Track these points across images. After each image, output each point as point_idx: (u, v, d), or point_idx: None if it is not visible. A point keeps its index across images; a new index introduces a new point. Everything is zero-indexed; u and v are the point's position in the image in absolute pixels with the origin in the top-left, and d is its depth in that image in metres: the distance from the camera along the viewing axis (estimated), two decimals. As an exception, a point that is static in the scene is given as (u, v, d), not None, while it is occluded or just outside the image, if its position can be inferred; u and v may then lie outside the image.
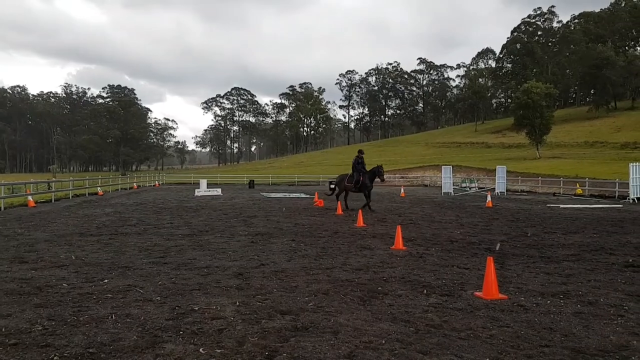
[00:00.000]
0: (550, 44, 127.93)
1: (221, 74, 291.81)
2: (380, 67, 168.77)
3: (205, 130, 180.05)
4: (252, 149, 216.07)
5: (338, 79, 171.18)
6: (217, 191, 35.59)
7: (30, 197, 23.59)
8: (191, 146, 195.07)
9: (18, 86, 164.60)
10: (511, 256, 9.98)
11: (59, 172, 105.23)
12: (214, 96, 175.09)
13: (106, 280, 7.52)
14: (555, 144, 72.27)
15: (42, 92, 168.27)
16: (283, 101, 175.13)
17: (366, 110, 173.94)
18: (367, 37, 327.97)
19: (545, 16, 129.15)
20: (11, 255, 9.62)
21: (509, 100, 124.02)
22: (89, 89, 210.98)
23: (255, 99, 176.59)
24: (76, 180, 34.57)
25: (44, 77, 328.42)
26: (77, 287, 7.06)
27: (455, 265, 9.00)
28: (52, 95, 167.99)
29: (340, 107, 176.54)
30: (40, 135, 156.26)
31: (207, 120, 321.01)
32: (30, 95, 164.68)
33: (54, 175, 53.88)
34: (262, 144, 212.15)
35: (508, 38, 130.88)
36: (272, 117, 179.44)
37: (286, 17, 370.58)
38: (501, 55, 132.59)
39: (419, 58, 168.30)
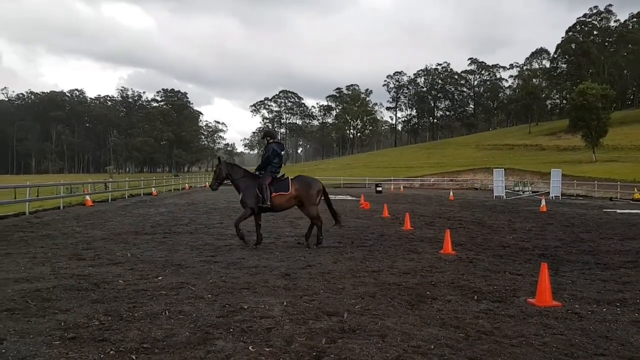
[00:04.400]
0: (606, 43, 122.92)
1: (264, 77, 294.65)
2: (429, 68, 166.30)
3: (254, 132, 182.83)
4: (299, 150, 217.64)
5: (386, 81, 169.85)
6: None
7: (87, 197, 24.37)
8: (240, 148, 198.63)
9: (76, 90, 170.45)
10: (566, 262, 9.64)
11: (115, 172, 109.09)
12: (262, 99, 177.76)
13: (160, 278, 7.73)
14: (612, 147, 69.34)
15: (99, 95, 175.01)
16: (330, 103, 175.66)
17: (414, 112, 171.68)
18: (407, 38, 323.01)
19: (602, 15, 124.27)
20: (69, 253, 9.98)
21: (564, 102, 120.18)
22: (144, 92, 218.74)
23: (302, 101, 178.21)
24: (132, 181, 35.60)
25: (97, 81, 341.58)
26: (132, 284, 7.27)
27: (507, 271, 8.76)
28: (108, 98, 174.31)
29: (388, 108, 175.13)
30: (98, 137, 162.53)
31: (254, 122, 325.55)
32: (88, 99, 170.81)
33: (111, 175, 55.85)
34: (308, 146, 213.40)
35: (563, 38, 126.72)
36: (318, 119, 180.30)
37: (325, 20, 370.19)
38: (555, 56, 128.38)
39: (470, 58, 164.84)
